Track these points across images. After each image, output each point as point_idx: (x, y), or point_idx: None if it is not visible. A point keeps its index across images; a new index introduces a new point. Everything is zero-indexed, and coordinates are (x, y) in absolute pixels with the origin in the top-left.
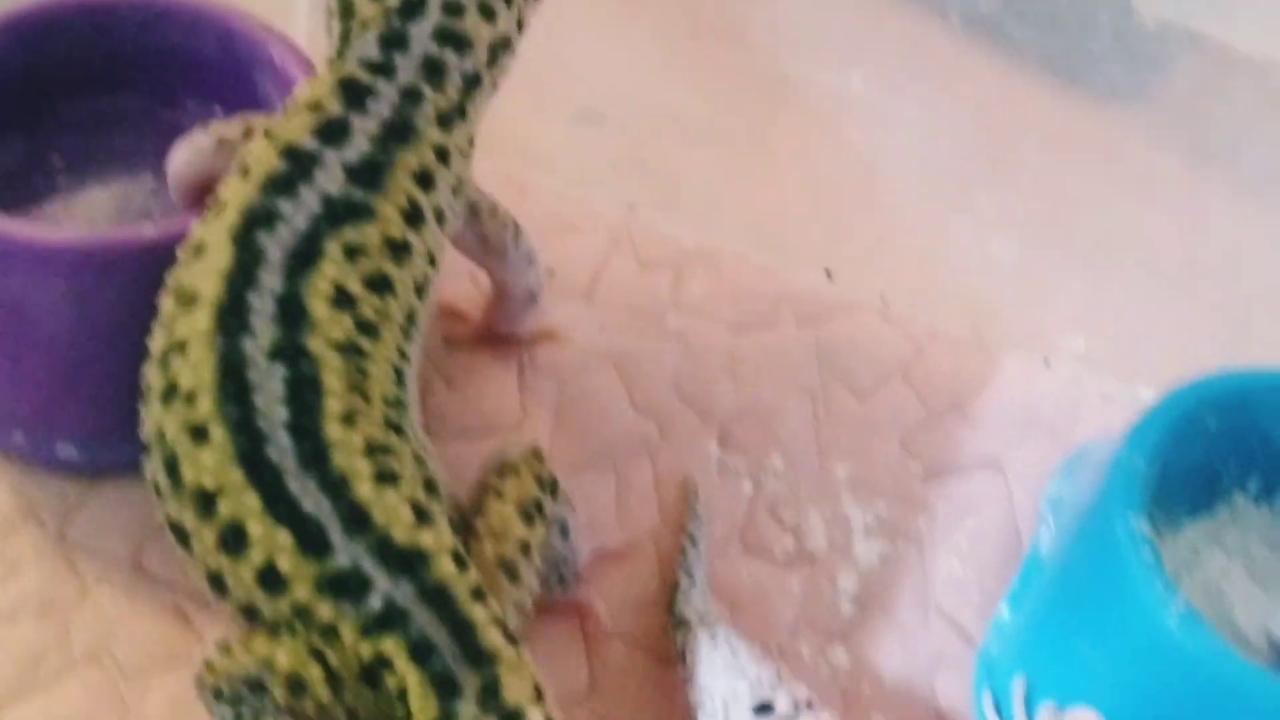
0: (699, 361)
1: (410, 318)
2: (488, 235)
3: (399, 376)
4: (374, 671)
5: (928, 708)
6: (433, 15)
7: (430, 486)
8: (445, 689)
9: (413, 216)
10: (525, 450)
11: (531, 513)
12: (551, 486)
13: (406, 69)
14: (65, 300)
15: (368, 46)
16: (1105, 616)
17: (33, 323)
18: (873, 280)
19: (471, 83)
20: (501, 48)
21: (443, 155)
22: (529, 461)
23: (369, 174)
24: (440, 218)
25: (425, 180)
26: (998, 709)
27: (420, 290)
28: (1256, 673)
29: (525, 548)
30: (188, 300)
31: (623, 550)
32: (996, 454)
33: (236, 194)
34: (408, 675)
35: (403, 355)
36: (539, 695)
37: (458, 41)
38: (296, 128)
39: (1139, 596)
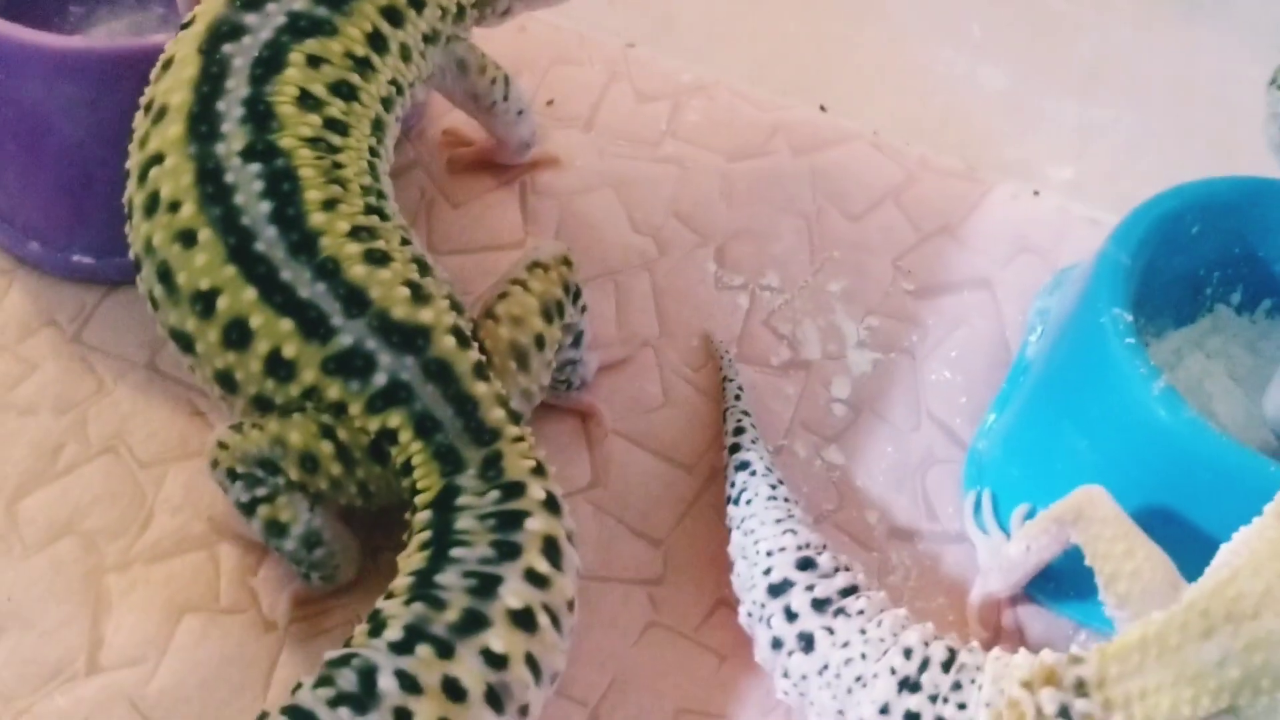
0: (695, 185)
1: (378, 124)
2: (477, 91)
3: (373, 170)
4: (381, 446)
5: (918, 502)
6: None
7: (423, 266)
8: (449, 461)
9: (376, 41)
10: (558, 253)
11: (551, 311)
12: (576, 293)
13: None
14: (80, 107)
15: None
16: (1089, 401)
17: (47, 131)
18: (866, 112)
19: None
20: None
21: (415, 2)
22: (558, 264)
23: None
24: (406, 54)
25: (392, 16)
26: (992, 507)
27: (387, 104)
28: (1230, 444)
29: (540, 341)
30: (159, 113)
31: (624, 361)
32: (985, 273)
33: (207, 9)
34: (412, 448)
35: (374, 153)
36: (541, 470)
37: None
38: None
39: (1122, 378)
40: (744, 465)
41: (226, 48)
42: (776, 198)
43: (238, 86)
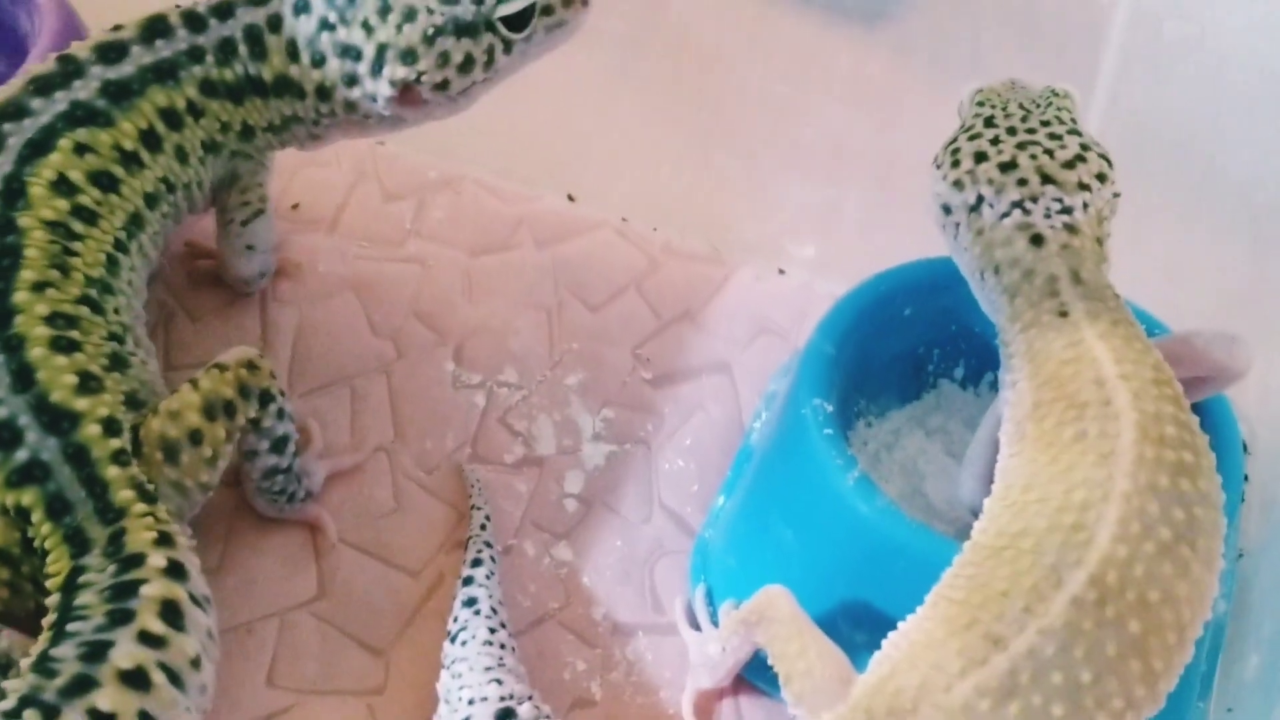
0: (437, 284)
1: (135, 219)
2: (226, 204)
3: (112, 263)
4: (19, 523)
5: (645, 595)
6: (263, 12)
7: (118, 361)
8: (76, 544)
9: (149, 139)
10: (243, 356)
11: (215, 409)
12: (262, 398)
13: (211, 35)
14: None
15: (208, 2)
16: (794, 493)
17: None
18: (613, 200)
19: (256, 84)
20: (288, 89)
21: (194, 110)
22: (239, 366)
23: (120, 93)
24: (183, 156)
25: (170, 118)
26: (708, 597)
27: (151, 201)
28: (923, 530)
29: (196, 437)
30: None
31: (355, 468)
32: (725, 357)
33: (4, 91)
34: (44, 530)
35: (120, 247)
36: (166, 540)
37: (259, 48)
38: (90, 41)
39: (820, 469)
40: (471, 601)
41: (6, 126)
42: (518, 292)
43: (3, 164)
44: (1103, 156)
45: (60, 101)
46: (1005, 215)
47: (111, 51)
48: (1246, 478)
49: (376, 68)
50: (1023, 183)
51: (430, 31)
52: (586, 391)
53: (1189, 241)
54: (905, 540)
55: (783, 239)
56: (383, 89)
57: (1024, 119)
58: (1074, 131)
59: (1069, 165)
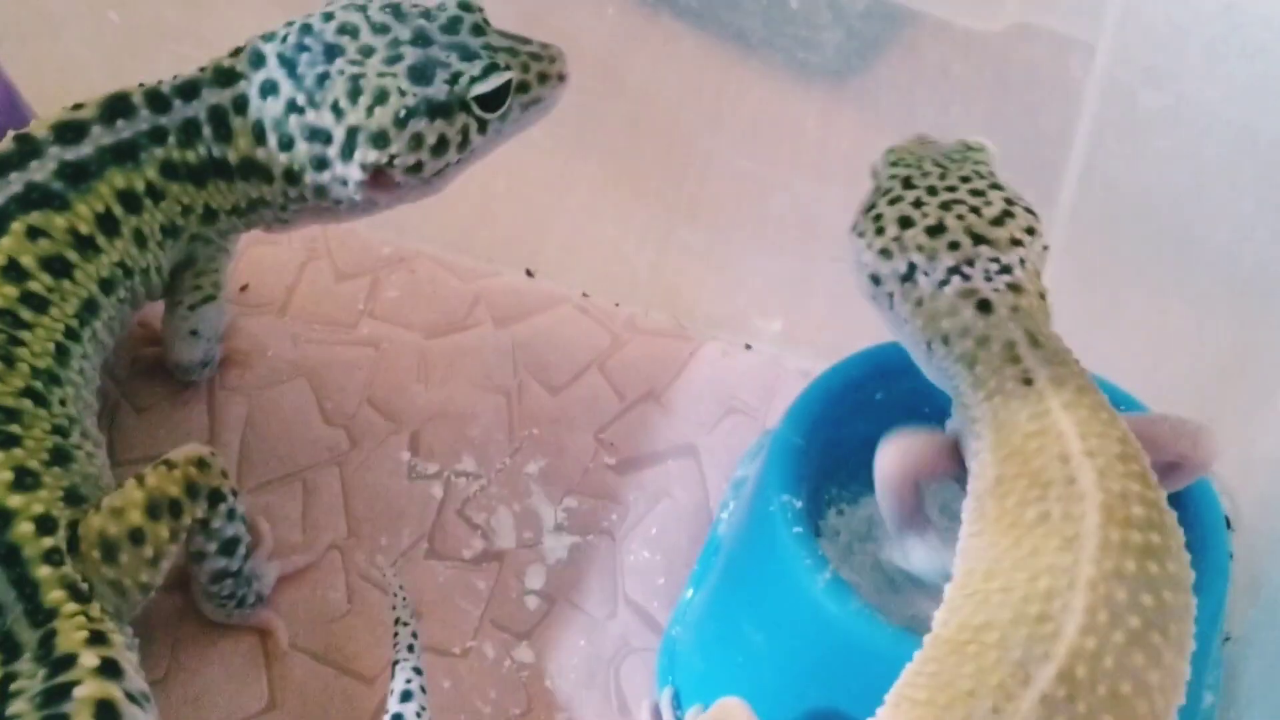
0: (391, 368)
1: (89, 305)
2: (177, 287)
3: (61, 352)
4: None
5: (610, 698)
6: (229, 93)
7: (61, 458)
8: (7, 649)
9: (107, 223)
10: (192, 453)
11: (160, 508)
12: (211, 497)
13: (174, 115)
14: None
15: (172, 82)
16: (764, 592)
17: None
18: (574, 274)
19: (220, 166)
20: (254, 172)
21: (154, 193)
22: (187, 464)
23: (77, 175)
24: (141, 240)
25: (130, 201)
26: (676, 700)
27: (107, 286)
28: (900, 633)
29: (137, 536)
30: None
31: (307, 568)
32: (691, 439)
33: None
34: None
35: (71, 335)
36: (100, 639)
37: (224, 130)
38: (49, 119)
39: (790, 569)
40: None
41: None
42: (476, 374)
43: None
44: (1029, 210)
45: (15, 183)
46: (944, 283)
47: (70, 131)
48: (1231, 555)
49: (347, 151)
50: (954, 246)
51: (402, 113)
52: (548, 480)
53: (1168, 313)
54: (882, 645)
55: (749, 313)
56: (354, 173)
57: (942, 176)
58: (995, 186)
59: (998, 222)
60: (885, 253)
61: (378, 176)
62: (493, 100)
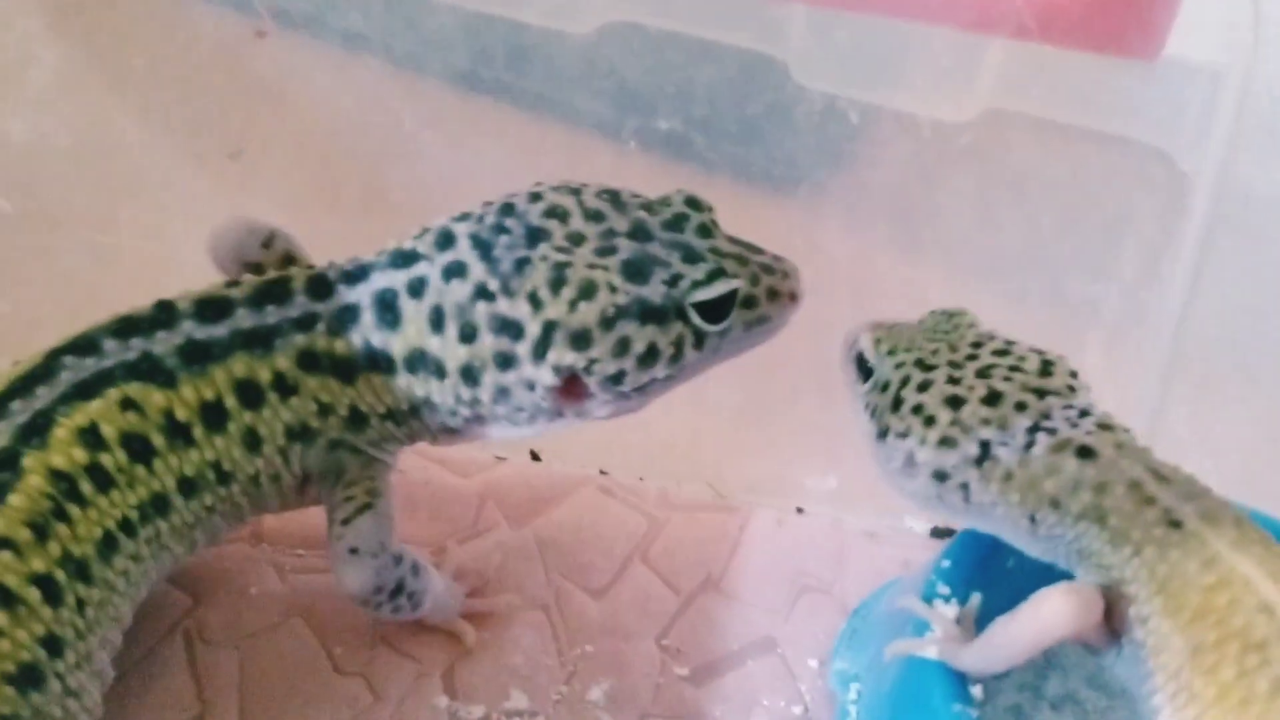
0: None
1: (158, 501)
2: (330, 503)
3: (108, 544)
4: None
5: None
6: (404, 275)
7: (30, 679)
8: None
9: (211, 415)
10: None
11: None
12: None
13: (334, 301)
14: None
15: (341, 265)
16: None
17: None
18: (586, 452)
19: (378, 359)
20: (423, 365)
21: (284, 385)
22: None
23: (197, 354)
24: (253, 442)
25: (248, 393)
26: None
27: (187, 487)
28: None
29: None
30: None
31: None
32: (768, 630)
33: (96, 324)
34: None
35: (127, 528)
36: None
37: (391, 315)
38: (200, 291)
39: None
40: None
41: (68, 359)
42: (503, 587)
43: (45, 397)
44: (1057, 357)
45: (133, 350)
46: (1029, 445)
47: (212, 308)
48: None
49: (540, 349)
50: (1022, 407)
51: (611, 312)
52: (616, 705)
53: None
54: None
55: (796, 472)
56: (544, 376)
57: (953, 348)
58: (1010, 341)
59: (1045, 373)
60: (947, 441)
61: (571, 383)
62: (714, 311)
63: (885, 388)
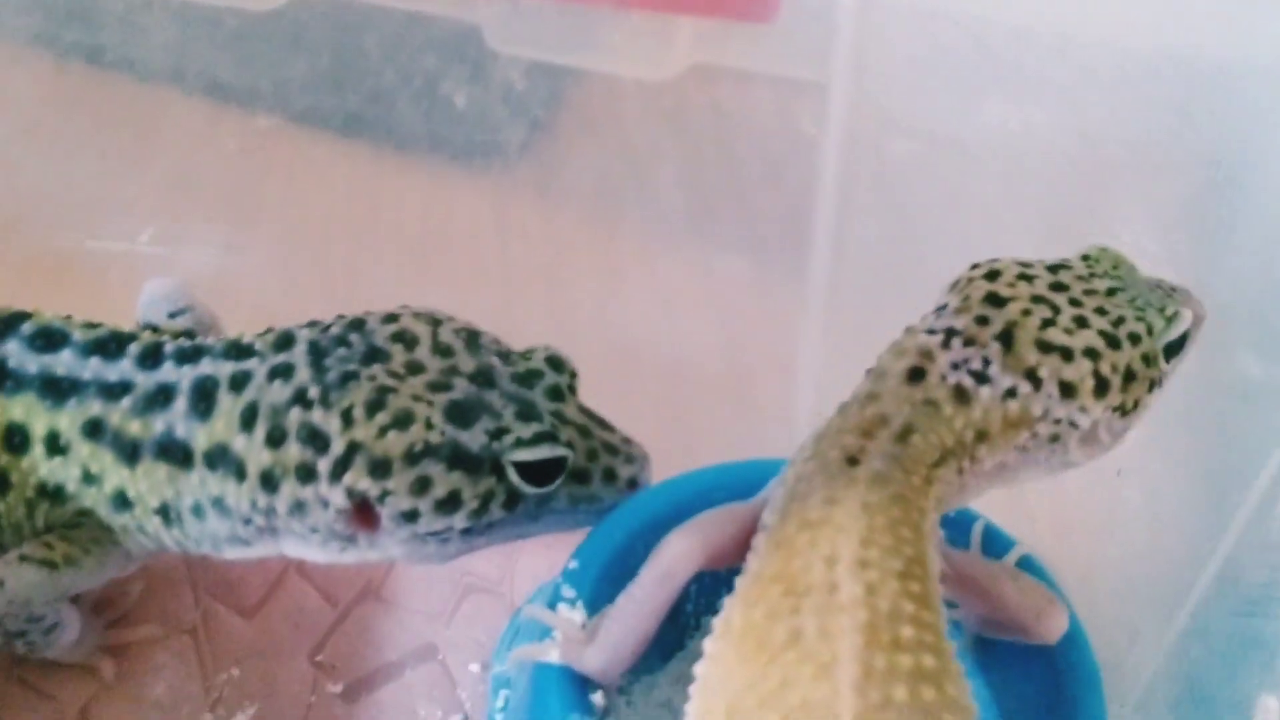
0: None
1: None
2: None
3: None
4: None
5: None
6: (230, 366)
7: None
8: None
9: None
10: None
11: None
12: None
13: (154, 375)
14: None
15: (178, 343)
16: None
17: None
18: None
19: (175, 449)
20: (222, 463)
21: (54, 443)
22: None
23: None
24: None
25: (12, 437)
26: None
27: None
28: None
29: None
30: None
31: None
32: (428, 637)
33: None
34: None
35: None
36: None
37: (205, 405)
38: (69, 321)
39: None
40: None
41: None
42: (149, 613)
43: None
44: None
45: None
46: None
47: (49, 337)
48: None
49: (339, 469)
50: None
51: (419, 448)
52: None
53: None
54: None
55: None
56: (336, 497)
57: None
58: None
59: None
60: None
61: (364, 511)
62: (538, 475)
63: None
